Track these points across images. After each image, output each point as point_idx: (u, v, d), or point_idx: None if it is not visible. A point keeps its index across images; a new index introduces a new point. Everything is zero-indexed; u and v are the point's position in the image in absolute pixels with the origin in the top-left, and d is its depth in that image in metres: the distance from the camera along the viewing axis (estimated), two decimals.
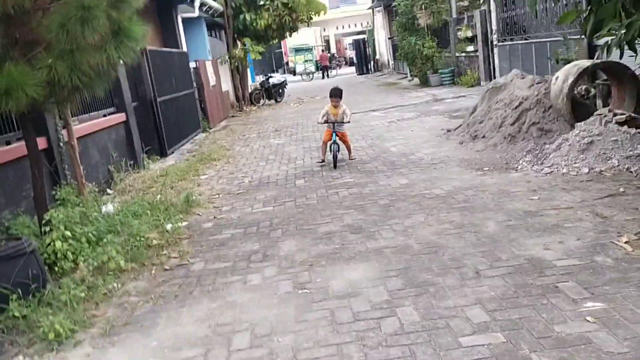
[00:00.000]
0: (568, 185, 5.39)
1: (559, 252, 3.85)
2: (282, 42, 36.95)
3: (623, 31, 4.86)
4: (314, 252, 4.58)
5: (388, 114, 13.18)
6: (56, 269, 4.46)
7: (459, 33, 17.30)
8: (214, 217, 6.09)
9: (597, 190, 5.09)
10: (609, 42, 5.14)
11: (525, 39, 12.18)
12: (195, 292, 4.09)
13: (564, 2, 9.76)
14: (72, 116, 6.77)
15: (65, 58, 4.17)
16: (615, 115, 6.54)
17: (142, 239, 5.12)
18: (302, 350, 3.07)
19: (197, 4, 14.46)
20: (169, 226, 5.60)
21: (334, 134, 7.79)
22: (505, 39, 13.46)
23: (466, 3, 18.06)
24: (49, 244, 4.44)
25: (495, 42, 14.06)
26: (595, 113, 6.74)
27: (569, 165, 5.90)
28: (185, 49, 14.54)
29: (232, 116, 17.94)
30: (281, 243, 4.94)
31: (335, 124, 7.84)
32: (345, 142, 8.08)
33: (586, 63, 7.21)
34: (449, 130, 9.25)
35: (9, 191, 5.49)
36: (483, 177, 6.19)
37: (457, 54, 17.92)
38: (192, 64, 14.32)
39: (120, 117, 9.08)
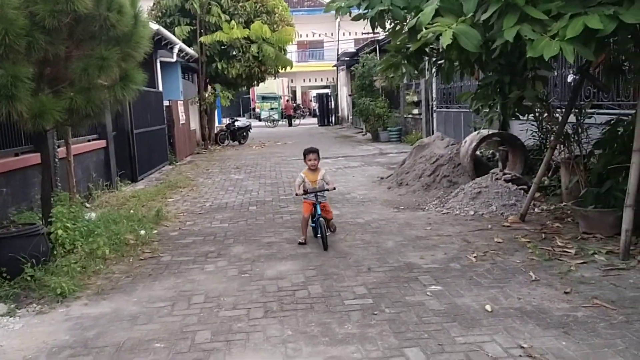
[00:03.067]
0: (455, 222, 7.09)
1: (429, 260, 5.47)
2: (250, 89, 38.98)
3: (495, 109, 6.67)
4: (257, 254, 6.06)
5: (337, 162, 14.90)
6: (55, 252, 5.77)
7: (407, 97, 19.48)
8: (179, 229, 7.51)
9: (473, 226, 6.79)
10: (491, 116, 6.96)
11: (457, 108, 14.27)
12: (164, 273, 5.50)
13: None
14: (58, 139, 8.14)
15: (83, 93, 5.66)
16: (504, 174, 8.39)
17: (121, 238, 6.49)
18: (240, 304, 4.54)
19: (175, 50, 16.13)
20: (142, 231, 6.98)
21: (317, 207, 6.21)
22: (442, 106, 15.58)
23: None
24: (52, 233, 5.77)
25: (434, 108, 16.17)
26: (491, 171, 8.58)
27: (461, 208, 7.62)
28: (161, 89, 16.07)
29: (198, 153, 19.39)
30: (232, 247, 6.40)
31: (318, 194, 6.27)
32: (327, 212, 6.46)
33: (485, 132, 9.11)
34: (382, 178, 11.00)
35: (14, 192, 6.79)
36: (397, 213, 7.84)
37: (405, 115, 20.06)
38: (165, 102, 15.86)
39: (101, 143, 10.46)
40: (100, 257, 5.82)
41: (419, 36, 4.50)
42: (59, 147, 8.02)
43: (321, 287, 4.86)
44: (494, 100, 6.40)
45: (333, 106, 36.98)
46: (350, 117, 32.00)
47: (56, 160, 7.86)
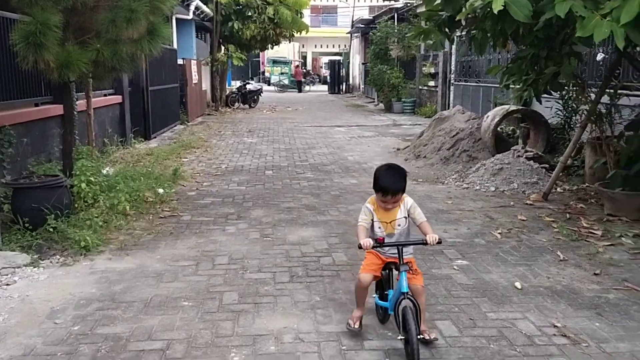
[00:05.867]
0: (476, 197, 7.02)
1: (452, 234, 5.41)
2: (261, 52, 38.47)
3: (528, 84, 6.50)
4: (277, 218, 6.01)
5: (351, 131, 14.75)
6: (76, 205, 5.73)
7: (423, 68, 19.19)
8: (197, 189, 7.46)
9: (495, 202, 6.72)
10: (521, 92, 6.79)
11: (477, 82, 14.04)
12: (185, 232, 5.47)
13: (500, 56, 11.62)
14: (77, 92, 8.01)
15: (110, 45, 5.51)
16: (526, 151, 8.27)
17: (140, 195, 6.44)
18: (264, 267, 4.50)
19: (192, 7, 15.81)
20: (160, 190, 6.93)
21: (401, 273, 3.10)
22: (460, 80, 15.32)
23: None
24: (74, 186, 5.72)
25: (452, 81, 15.92)
26: (512, 148, 8.46)
27: (482, 184, 7.53)
28: (175, 46, 15.81)
29: (208, 114, 19.22)
30: (252, 210, 6.35)
31: (399, 244, 3.20)
32: (416, 279, 3.21)
33: (511, 108, 8.95)
34: (398, 149, 10.89)
35: (33, 143, 6.71)
36: (416, 185, 7.76)
37: (420, 87, 19.79)
38: (179, 61, 15.63)
39: (117, 98, 10.34)
40: (121, 212, 5.77)
41: (467, 3, 4.33)
42: (77, 100, 7.90)
43: (345, 255, 4.82)
44: (527, 74, 6.23)
45: (344, 74, 36.54)
46: (362, 86, 31.65)
47: (75, 113, 7.75)
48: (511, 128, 10.38)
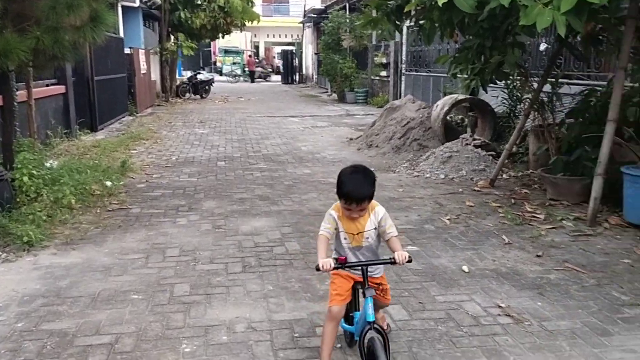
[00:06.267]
0: (426, 184, 7.16)
1: (403, 221, 5.51)
2: (212, 42, 37.86)
3: (475, 74, 6.66)
4: (230, 209, 5.97)
5: (304, 121, 14.74)
6: (18, 200, 5.50)
7: (375, 58, 19.34)
8: (146, 181, 7.30)
9: (444, 189, 6.87)
10: (469, 81, 6.95)
11: (427, 72, 14.28)
12: (135, 225, 5.35)
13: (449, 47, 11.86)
14: (17, 82, 7.68)
15: (50, 33, 5.30)
16: (474, 139, 8.49)
17: (86, 188, 6.25)
18: (217, 258, 4.47)
19: None
20: (108, 183, 6.74)
21: (367, 297, 2.67)
22: (411, 70, 15.54)
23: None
24: (15, 180, 5.49)
25: (403, 71, 16.13)
26: (461, 136, 8.66)
27: (432, 172, 7.69)
28: (122, 35, 15.35)
29: (158, 105, 18.80)
30: (203, 202, 6.28)
31: (365, 258, 2.82)
32: (384, 303, 2.97)
33: (459, 97, 9.15)
34: (351, 139, 10.97)
35: None
36: None
37: (372, 77, 19.96)
38: (126, 50, 15.19)
39: (60, 88, 9.97)
40: (66, 206, 5.58)
41: None
42: (17, 90, 7.56)
43: (298, 244, 4.83)
44: (474, 64, 6.39)
45: (297, 64, 36.41)
46: (315, 77, 31.63)
47: (15, 104, 7.43)
48: (460, 117, 10.63)
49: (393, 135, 9.60)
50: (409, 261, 2.64)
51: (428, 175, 7.61)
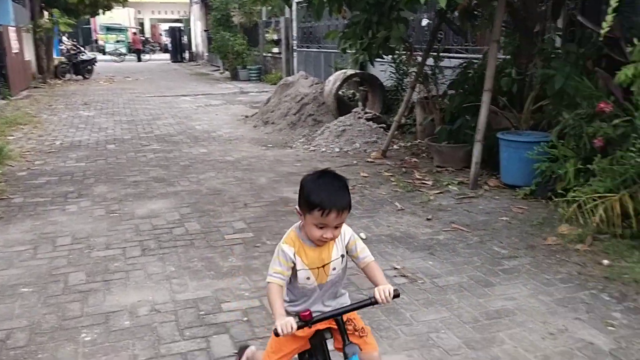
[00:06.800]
0: (322, 158, 7.34)
1: None
2: (91, 19, 35.49)
3: (362, 49, 6.85)
4: (123, 193, 5.75)
5: (197, 99, 14.38)
6: None
7: (266, 35, 19.20)
8: (28, 168, 6.81)
9: (339, 162, 7.09)
10: (357, 56, 7.14)
11: (318, 48, 14.46)
12: (19, 216, 5.00)
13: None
14: None
15: None
16: (365, 113, 8.78)
17: None
18: (113, 244, 4.32)
19: None
20: None
21: (343, 352, 1.94)
22: (303, 46, 15.65)
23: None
24: None
25: (295, 47, 16.20)
26: (353, 110, 8.92)
27: (327, 146, 7.88)
28: None
29: (35, 87, 17.38)
30: (94, 187, 5.98)
31: (328, 298, 2.07)
32: (371, 352, 2.07)
33: (349, 72, 9.39)
34: (247, 117, 10.91)
35: None
36: (265, 151, 7.88)
37: (264, 54, 19.82)
38: None
39: None
40: None
41: None
42: None
43: (198, 224, 4.78)
44: (362, 39, 6.58)
45: (187, 42, 35.20)
46: (206, 54, 30.79)
47: None
48: (351, 91, 10.92)
49: (288, 111, 9.67)
50: (396, 296, 1.92)
51: (324, 150, 7.79)
